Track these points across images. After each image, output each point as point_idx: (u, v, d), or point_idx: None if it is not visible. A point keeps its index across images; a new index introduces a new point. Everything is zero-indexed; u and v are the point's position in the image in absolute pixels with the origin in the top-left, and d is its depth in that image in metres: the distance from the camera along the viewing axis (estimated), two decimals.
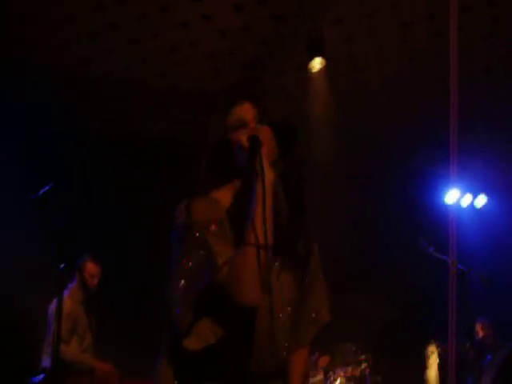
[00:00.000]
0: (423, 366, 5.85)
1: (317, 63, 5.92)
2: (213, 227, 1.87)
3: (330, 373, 5.43)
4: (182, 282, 1.84)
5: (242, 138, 1.96)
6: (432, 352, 5.66)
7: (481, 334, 6.22)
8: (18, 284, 5.17)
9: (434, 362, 5.70)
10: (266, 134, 1.97)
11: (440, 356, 5.66)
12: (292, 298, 2.01)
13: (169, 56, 5.93)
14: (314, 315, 2.10)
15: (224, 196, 2.01)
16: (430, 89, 6.32)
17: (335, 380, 5.39)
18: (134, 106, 6.36)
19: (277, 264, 1.97)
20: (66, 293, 4.91)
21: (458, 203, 7.32)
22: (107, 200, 6.02)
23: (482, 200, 7.70)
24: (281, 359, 1.96)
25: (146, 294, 5.11)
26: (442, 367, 5.67)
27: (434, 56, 5.90)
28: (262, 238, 1.79)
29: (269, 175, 1.86)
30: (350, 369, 5.48)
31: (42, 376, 4.56)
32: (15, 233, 5.24)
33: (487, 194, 7.68)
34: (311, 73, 6.05)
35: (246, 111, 2.05)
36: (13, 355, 5.19)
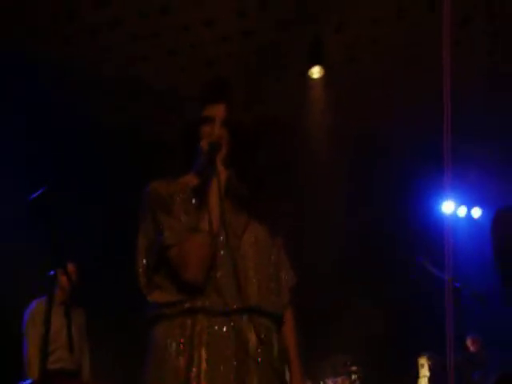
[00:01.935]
0: (415, 377, 5.83)
1: (317, 70, 5.93)
2: (168, 199, 2.15)
3: (321, 383, 5.41)
4: (140, 257, 2.16)
5: (203, 143, 2.20)
6: (422, 364, 5.65)
7: (471, 348, 6.21)
8: (12, 288, 5.16)
9: (424, 373, 5.69)
10: (224, 137, 2.21)
11: (430, 368, 5.65)
12: (257, 252, 2.20)
13: (168, 59, 5.93)
14: (284, 278, 2.31)
15: (188, 179, 2.26)
16: (431, 97, 6.30)
17: None
18: (136, 107, 6.35)
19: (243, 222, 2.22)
20: (43, 297, 4.91)
21: (453, 216, 7.31)
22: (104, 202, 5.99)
23: (477, 212, 7.69)
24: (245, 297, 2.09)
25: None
26: (431, 379, 5.65)
27: (434, 64, 5.89)
28: (210, 227, 2.07)
29: (221, 177, 2.14)
30: (340, 380, 5.45)
31: (28, 381, 4.55)
32: (11, 237, 5.23)
33: (482, 205, 7.67)
34: (311, 79, 6.05)
35: (214, 110, 2.24)
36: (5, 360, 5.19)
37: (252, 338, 2.07)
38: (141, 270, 2.15)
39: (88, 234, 5.62)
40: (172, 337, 2.04)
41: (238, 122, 2.26)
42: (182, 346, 2.02)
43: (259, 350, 2.07)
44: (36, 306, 4.92)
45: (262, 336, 2.09)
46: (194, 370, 1.99)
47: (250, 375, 2.03)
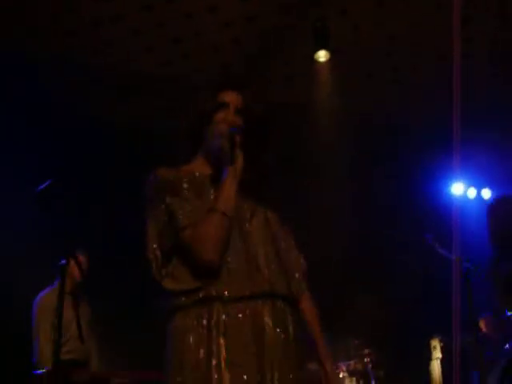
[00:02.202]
0: (428, 359, 5.83)
1: (323, 53, 5.90)
2: (176, 182, 2.16)
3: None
4: (152, 243, 2.15)
5: (221, 127, 2.23)
6: (435, 346, 5.65)
7: (484, 329, 6.19)
8: (20, 279, 5.17)
9: (436, 355, 5.69)
10: (237, 123, 2.27)
11: (443, 350, 5.65)
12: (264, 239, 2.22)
13: (172, 47, 5.90)
14: (296, 262, 2.33)
15: (192, 167, 2.28)
16: (436, 79, 6.27)
17: (338, 374, 5.38)
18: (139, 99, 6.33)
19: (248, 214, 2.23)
20: (52, 287, 4.93)
21: (463, 197, 7.27)
22: (108, 193, 5.98)
23: (486, 194, 7.63)
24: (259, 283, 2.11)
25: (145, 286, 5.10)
26: (444, 361, 5.66)
27: (440, 46, 5.86)
28: (227, 208, 2.09)
29: (240, 161, 2.18)
30: (352, 363, 5.46)
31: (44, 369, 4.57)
32: (18, 229, 5.23)
33: (492, 187, 7.61)
34: (317, 63, 6.03)
35: (229, 97, 2.30)
36: (14, 351, 5.21)
37: (268, 322, 2.08)
38: (153, 256, 2.15)
39: (89, 232, 5.61)
40: (190, 328, 2.05)
41: (251, 111, 2.30)
42: (200, 337, 2.03)
43: (275, 334, 2.08)
44: (44, 297, 4.94)
45: (278, 319, 2.10)
46: (214, 360, 1.99)
47: (268, 359, 2.04)
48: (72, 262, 4.85)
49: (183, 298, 2.08)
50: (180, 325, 2.07)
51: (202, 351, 2.01)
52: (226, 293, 2.05)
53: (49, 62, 5.68)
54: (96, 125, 6.01)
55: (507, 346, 4.98)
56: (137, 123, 6.27)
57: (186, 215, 2.10)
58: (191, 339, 2.03)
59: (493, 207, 4.30)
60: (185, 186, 2.16)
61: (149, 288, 2.15)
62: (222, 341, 2.01)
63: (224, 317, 2.03)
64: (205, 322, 2.03)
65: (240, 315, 2.05)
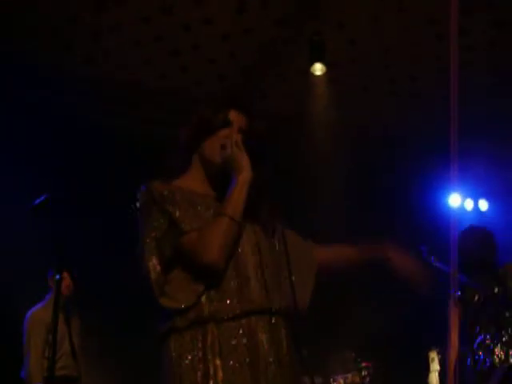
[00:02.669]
0: (426, 371, 5.80)
1: (319, 67, 5.92)
2: (170, 195, 2.11)
3: (331, 380, 5.39)
4: (150, 254, 2.09)
5: (237, 139, 2.19)
6: (433, 358, 5.62)
7: None
8: (17, 295, 5.15)
9: (434, 368, 5.66)
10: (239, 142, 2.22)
11: (441, 362, 5.62)
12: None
13: (170, 60, 5.91)
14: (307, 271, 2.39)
15: (183, 182, 2.23)
16: (434, 89, 6.29)
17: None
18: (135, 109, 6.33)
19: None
20: (43, 302, 4.90)
21: (460, 208, 7.27)
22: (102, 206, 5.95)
23: (483, 205, 7.63)
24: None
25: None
26: (443, 373, 5.63)
27: (438, 56, 5.89)
28: (236, 214, 2.07)
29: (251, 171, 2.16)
30: (350, 376, 5.42)
31: None
32: (14, 242, 5.22)
33: (489, 198, 7.62)
34: (313, 77, 6.04)
35: (233, 115, 2.27)
36: (10, 362, 5.17)
37: (262, 339, 2.07)
38: (152, 269, 2.10)
39: (87, 238, 5.59)
40: (185, 352, 2.03)
41: (252, 132, 2.29)
42: (196, 360, 2.01)
43: (270, 350, 2.07)
44: (35, 313, 4.91)
45: (272, 335, 2.09)
46: (211, 381, 1.98)
47: (264, 377, 2.03)
48: (67, 277, 4.86)
49: (177, 320, 2.05)
50: (175, 348, 2.05)
51: (199, 373, 2.00)
52: (218, 313, 2.04)
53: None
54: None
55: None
56: (137, 130, 6.28)
57: (189, 221, 2.07)
58: (187, 362, 2.01)
59: (462, 237, 4.62)
60: (178, 198, 2.13)
61: (146, 301, 2.12)
62: (218, 362, 2.00)
63: (218, 337, 2.02)
64: (200, 344, 2.02)
65: (234, 334, 2.04)
